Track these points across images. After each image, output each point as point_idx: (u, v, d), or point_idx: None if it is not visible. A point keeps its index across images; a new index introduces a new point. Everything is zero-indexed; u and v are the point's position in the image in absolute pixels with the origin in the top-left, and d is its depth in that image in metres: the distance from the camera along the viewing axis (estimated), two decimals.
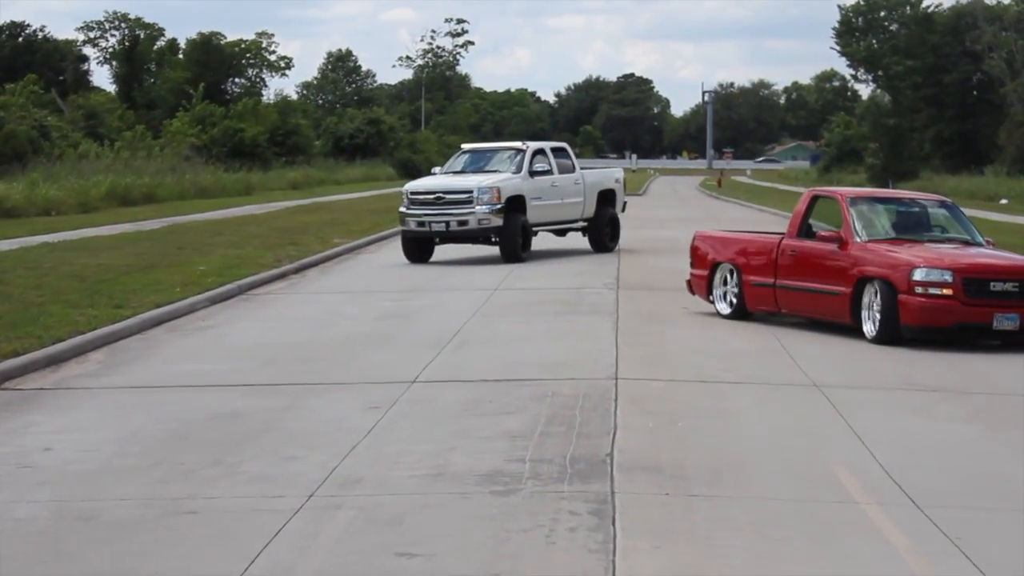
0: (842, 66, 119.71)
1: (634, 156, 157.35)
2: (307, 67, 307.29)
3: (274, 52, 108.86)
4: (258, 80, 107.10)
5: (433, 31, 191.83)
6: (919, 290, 15.52)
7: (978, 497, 9.09)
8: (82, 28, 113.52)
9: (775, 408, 12.08)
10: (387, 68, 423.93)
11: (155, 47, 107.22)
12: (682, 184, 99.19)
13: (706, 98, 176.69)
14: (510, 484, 9.09)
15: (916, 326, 15.61)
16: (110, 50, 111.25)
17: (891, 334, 15.69)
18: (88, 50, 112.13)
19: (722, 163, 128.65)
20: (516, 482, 9.14)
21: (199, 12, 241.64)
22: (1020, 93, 76.52)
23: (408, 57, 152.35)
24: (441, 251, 27.51)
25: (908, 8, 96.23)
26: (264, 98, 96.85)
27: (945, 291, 15.47)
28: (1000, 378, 13.96)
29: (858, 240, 16.58)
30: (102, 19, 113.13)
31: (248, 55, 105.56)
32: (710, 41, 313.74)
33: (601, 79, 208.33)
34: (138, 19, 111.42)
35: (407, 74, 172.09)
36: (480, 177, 27.13)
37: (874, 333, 15.88)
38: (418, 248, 27.00)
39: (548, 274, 24.24)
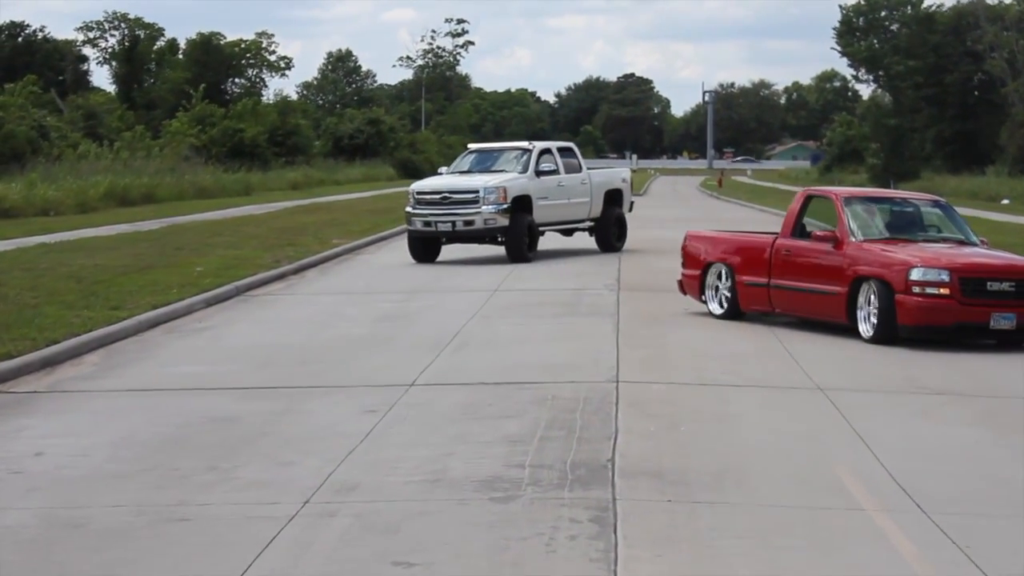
0: (843, 66, 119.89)
1: (634, 156, 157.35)
2: (307, 67, 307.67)
3: (274, 52, 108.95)
4: (258, 80, 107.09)
5: (433, 31, 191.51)
6: (916, 290, 15.53)
7: (987, 503, 8.91)
8: (82, 28, 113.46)
9: (778, 412, 11.92)
10: (387, 68, 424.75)
11: (155, 47, 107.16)
12: (683, 184, 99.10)
13: (706, 98, 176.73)
14: (509, 490, 8.92)
15: (913, 326, 15.62)
16: (110, 50, 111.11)
17: (888, 334, 15.68)
18: (88, 50, 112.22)
19: (723, 163, 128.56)
20: (515, 488, 8.97)
21: (199, 12, 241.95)
22: (1021, 93, 76.36)
23: (408, 57, 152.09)
24: (447, 251, 27.41)
25: (909, 8, 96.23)
26: (264, 98, 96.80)
27: (942, 291, 15.49)
28: (1006, 380, 13.81)
29: (853, 240, 16.57)
30: (102, 19, 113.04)
31: (248, 55, 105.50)
32: (710, 41, 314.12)
33: (601, 79, 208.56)
34: (138, 19, 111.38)
35: (407, 74, 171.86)
36: (486, 177, 27.04)
37: (870, 333, 15.87)
38: (424, 248, 26.94)
39: (548, 275, 24.08)
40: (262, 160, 72.43)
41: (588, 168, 29.38)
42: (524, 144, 28.77)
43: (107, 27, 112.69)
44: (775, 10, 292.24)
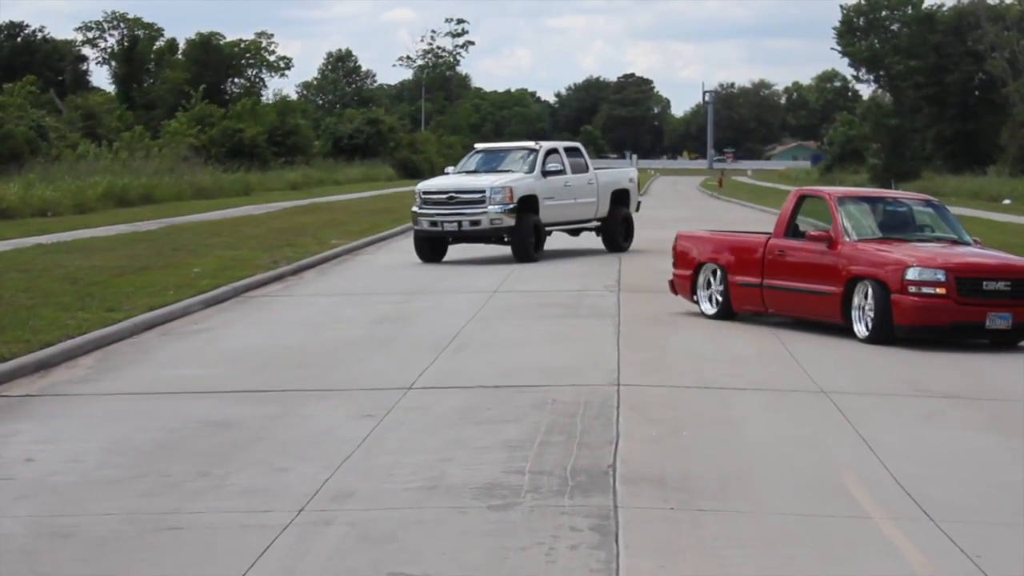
0: (843, 66, 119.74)
1: (634, 156, 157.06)
2: (307, 67, 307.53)
3: (273, 52, 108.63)
4: (257, 80, 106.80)
5: (433, 31, 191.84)
6: (912, 289, 15.48)
7: (997, 511, 8.71)
8: (81, 28, 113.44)
9: (782, 416, 11.73)
10: (387, 68, 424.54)
11: (154, 47, 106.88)
12: (683, 184, 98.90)
13: (707, 98, 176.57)
14: (508, 498, 8.73)
15: (909, 325, 15.58)
16: (109, 50, 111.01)
17: (884, 334, 15.63)
18: (87, 50, 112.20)
19: (724, 163, 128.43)
20: (515, 495, 8.79)
21: (198, 12, 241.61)
22: (1022, 93, 76.18)
23: (408, 57, 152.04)
24: (452, 250, 27.29)
25: (910, 8, 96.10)
26: (263, 98, 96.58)
27: (938, 290, 15.43)
28: (1008, 382, 13.66)
29: (848, 239, 16.51)
30: (101, 19, 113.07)
31: (247, 55, 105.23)
32: (710, 41, 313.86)
33: (601, 79, 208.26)
34: (137, 19, 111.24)
35: (407, 74, 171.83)
36: (493, 177, 26.94)
37: (866, 333, 15.84)
38: (431, 248, 26.87)
39: (548, 276, 23.91)
40: (261, 160, 72.25)
41: (595, 168, 29.29)
42: (531, 144, 28.65)
43: (106, 27, 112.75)
44: (775, 10, 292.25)
